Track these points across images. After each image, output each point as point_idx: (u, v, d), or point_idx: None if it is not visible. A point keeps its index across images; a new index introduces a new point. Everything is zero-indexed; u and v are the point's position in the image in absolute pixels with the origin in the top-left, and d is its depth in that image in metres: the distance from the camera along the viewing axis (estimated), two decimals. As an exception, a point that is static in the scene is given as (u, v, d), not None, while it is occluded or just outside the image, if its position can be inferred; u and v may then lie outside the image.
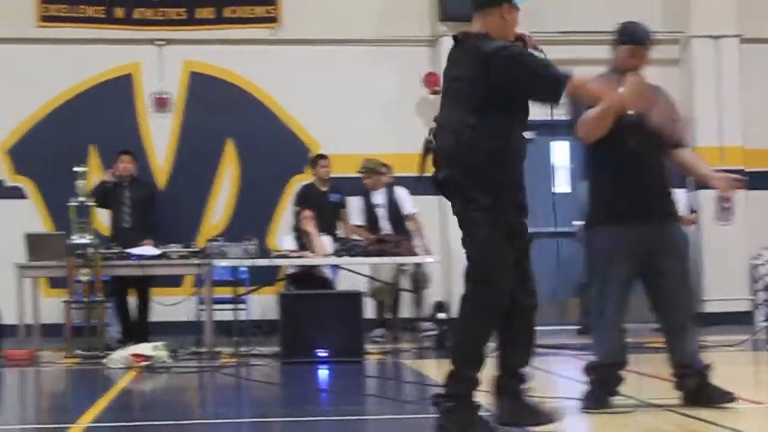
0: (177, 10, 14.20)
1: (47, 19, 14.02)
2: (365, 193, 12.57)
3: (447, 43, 13.54)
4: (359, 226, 12.47)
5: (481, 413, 5.55)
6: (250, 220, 13.38)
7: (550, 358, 9.83)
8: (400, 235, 11.92)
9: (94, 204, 11.57)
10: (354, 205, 12.66)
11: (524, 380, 5.74)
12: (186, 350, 10.95)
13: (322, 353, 10.15)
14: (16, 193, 13.72)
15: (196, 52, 14.17)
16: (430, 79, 13.91)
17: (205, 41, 14.13)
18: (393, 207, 12.47)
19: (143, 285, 12.20)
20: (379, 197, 12.52)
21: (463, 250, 5.62)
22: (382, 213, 12.47)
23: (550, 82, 5.53)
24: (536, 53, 5.66)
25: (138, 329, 12.02)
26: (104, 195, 12.33)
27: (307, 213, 11.94)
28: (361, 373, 9.62)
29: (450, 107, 5.71)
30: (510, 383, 5.69)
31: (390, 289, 12.11)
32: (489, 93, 5.51)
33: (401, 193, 12.50)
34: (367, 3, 14.24)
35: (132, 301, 12.35)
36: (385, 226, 12.32)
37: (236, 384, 8.94)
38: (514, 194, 5.69)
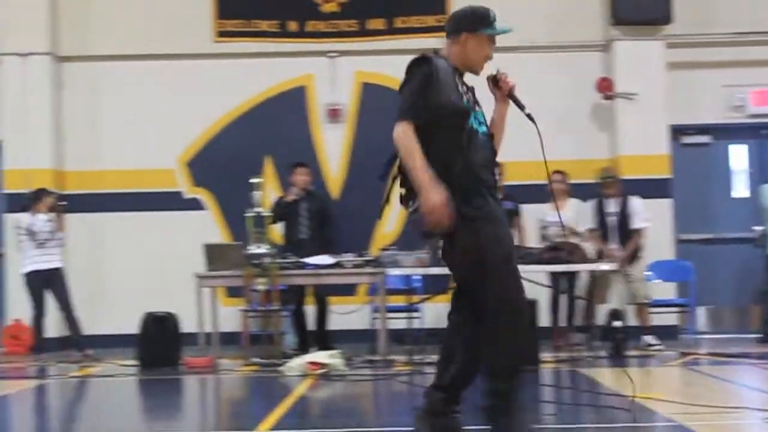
0: (348, 22, 14.35)
1: (223, 34, 14.33)
2: (599, 200, 12.42)
3: (619, 48, 13.39)
4: (593, 230, 12.31)
5: None
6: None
7: (730, 367, 9.57)
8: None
9: (271, 222, 11.78)
10: (586, 210, 12.51)
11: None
12: (360, 358, 11.04)
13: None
14: (195, 205, 14.05)
15: (368, 62, 14.28)
16: (603, 84, 13.73)
17: (376, 52, 14.22)
18: (623, 217, 12.29)
19: (320, 294, 12.33)
20: (612, 205, 12.36)
21: None
22: (612, 222, 12.30)
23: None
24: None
25: (317, 337, 12.15)
26: (282, 212, 12.52)
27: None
28: (538, 381, 9.51)
29: None
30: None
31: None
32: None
33: (636, 204, 12.33)
34: (538, 9, 14.13)
35: (307, 309, 12.49)
36: (614, 236, 12.18)
37: (410, 392, 8.94)
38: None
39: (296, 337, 12.34)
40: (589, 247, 11.94)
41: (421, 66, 5.70)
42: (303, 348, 11.88)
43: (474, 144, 5.68)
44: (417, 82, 5.67)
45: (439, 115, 5.64)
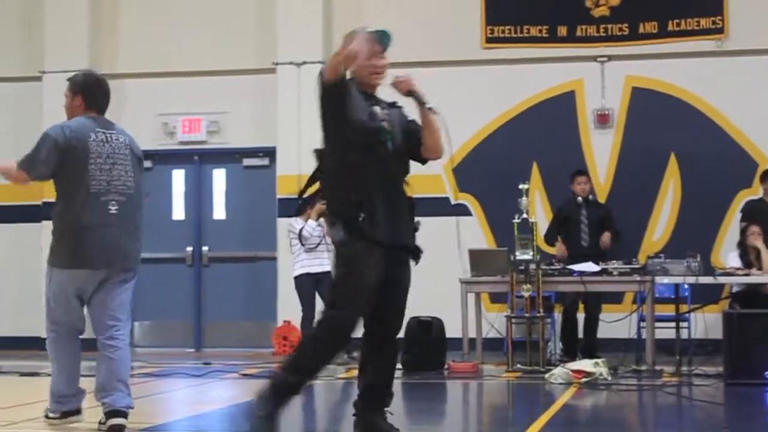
0: (620, 25, 14.09)
1: (492, 40, 14.33)
2: None
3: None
4: None
5: None
6: (693, 236, 13.01)
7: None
8: None
9: (555, 225, 12.09)
10: None
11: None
12: (626, 368, 10.80)
13: (771, 376, 9.65)
14: (461, 210, 14.09)
15: (638, 67, 13.98)
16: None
17: (648, 56, 13.91)
18: None
19: (592, 302, 12.15)
20: None
21: None
22: None
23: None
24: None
25: (585, 346, 11.97)
26: (565, 216, 12.46)
27: (755, 229, 11.45)
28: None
29: None
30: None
31: None
32: None
33: None
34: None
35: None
36: None
37: (678, 403, 8.68)
38: None
39: (563, 345, 12.18)
40: None
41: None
42: (569, 356, 11.72)
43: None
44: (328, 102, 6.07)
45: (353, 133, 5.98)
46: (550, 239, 12.68)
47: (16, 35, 15.22)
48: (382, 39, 6.07)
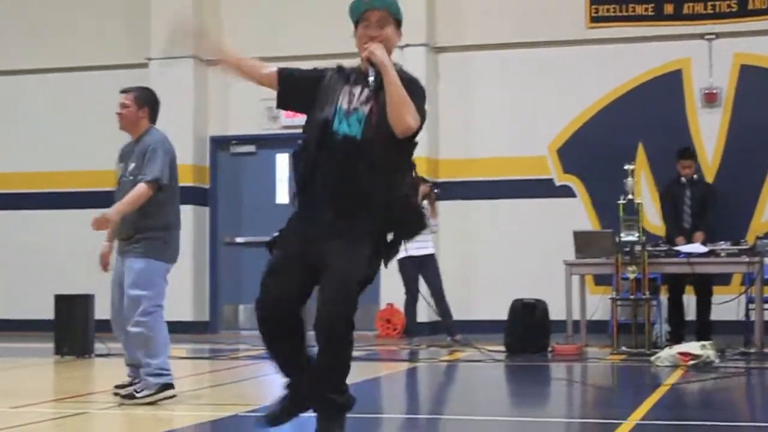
0: (728, 2, 13.83)
1: (597, 19, 14.17)
2: None
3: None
4: None
5: None
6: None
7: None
8: None
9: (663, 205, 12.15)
10: None
11: None
12: (734, 350, 10.62)
13: None
14: (565, 192, 13.97)
15: (748, 44, 13.72)
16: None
17: (757, 32, 13.66)
18: None
19: (703, 283, 11.96)
20: None
21: None
22: None
23: None
24: None
25: (699, 328, 11.80)
26: (669, 194, 12.33)
27: None
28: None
29: None
30: None
31: None
32: None
33: None
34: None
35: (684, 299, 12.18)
36: None
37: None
38: None
39: (670, 327, 12.02)
40: None
41: None
42: (677, 338, 11.55)
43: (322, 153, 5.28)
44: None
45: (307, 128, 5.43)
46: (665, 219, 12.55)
47: (123, 22, 15.45)
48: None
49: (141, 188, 7.45)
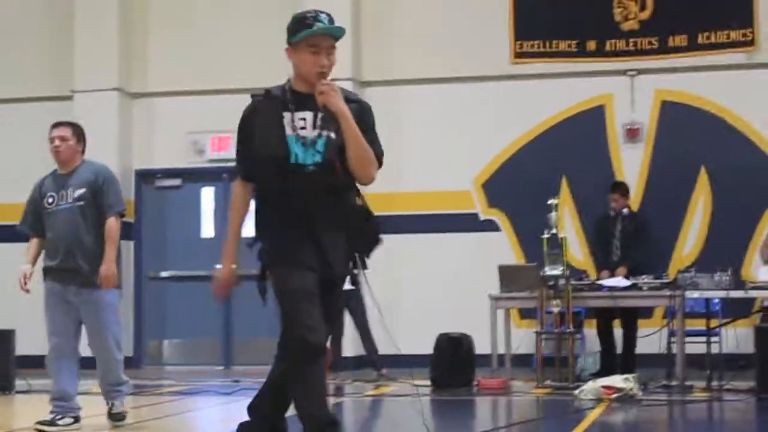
0: (649, 39, 14.03)
1: (521, 55, 14.31)
2: None
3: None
4: None
5: None
6: (724, 249, 12.88)
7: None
8: None
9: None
10: None
11: None
12: (656, 383, 10.72)
13: (802, 390, 9.54)
14: (490, 226, 14.06)
15: (668, 80, 13.93)
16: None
17: (677, 69, 13.86)
18: None
19: (629, 317, 12.06)
20: None
21: None
22: None
23: None
24: None
25: (623, 361, 11.88)
26: (600, 227, 12.42)
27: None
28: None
29: None
30: None
31: None
32: None
33: None
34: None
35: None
36: None
37: (708, 419, 8.61)
38: None
39: (601, 359, 12.08)
40: None
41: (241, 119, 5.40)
42: (607, 370, 11.60)
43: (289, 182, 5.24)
44: (237, 137, 5.40)
45: (257, 167, 5.31)
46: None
47: (47, 55, 15.29)
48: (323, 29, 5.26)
49: (113, 223, 7.75)
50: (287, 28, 5.36)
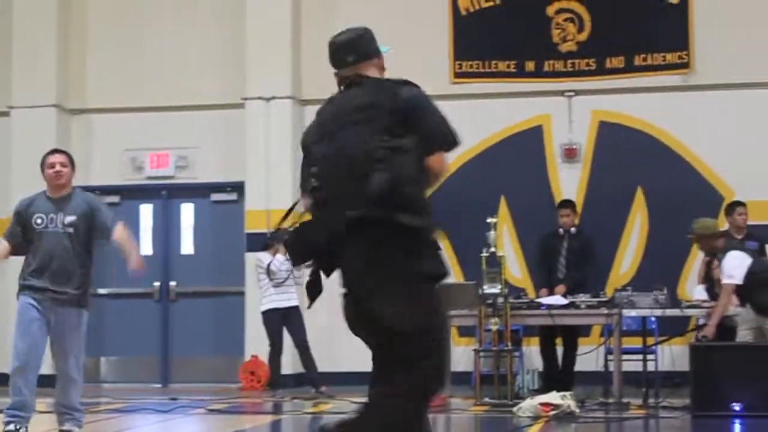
0: (587, 60, 14.18)
1: (460, 75, 14.40)
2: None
3: None
4: None
5: None
6: (660, 269, 13.06)
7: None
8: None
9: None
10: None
11: None
12: (594, 400, 10.82)
13: (736, 407, 9.66)
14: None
15: (605, 101, 14.08)
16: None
17: (615, 90, 14.01)
18: None
19: (569, 335, 12.14)
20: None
21: None
22: None
23: None
24: None
25: (562, 378, 11.95)
26: (546, 245, 12.47)
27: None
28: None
29: None
30: None
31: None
32: None
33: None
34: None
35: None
36: None
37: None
38: None
39: (542, 377, 12.14)
40: None
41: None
42: (546, 389, 11.66)
43: None
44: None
45: None
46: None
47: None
48: None
49: (121, 228, 8.41)
50: (373, 40, 5.48)
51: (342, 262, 4.84)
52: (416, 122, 4.96)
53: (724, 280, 10.37)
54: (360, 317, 4.86)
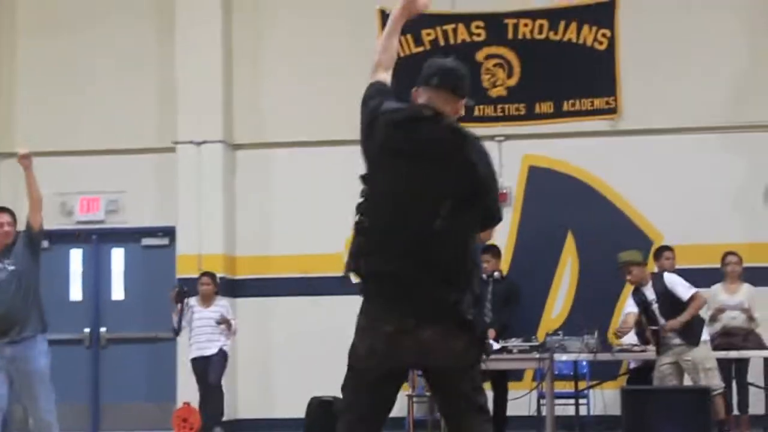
0: (517, 105, 14.31)
1: (391, 119, 14.42)
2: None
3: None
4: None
5: None
6: (591, 313, 13.08)
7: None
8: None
9: None
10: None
11: None
12: (527, 445, 10.85)
13: (667, 451, 9.76)
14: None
15: (535, 146, 14.21)
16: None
17: (544, 135, 14.15)
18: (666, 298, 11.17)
19: (499, 379, 12.16)
20: (649, 291, 11.27)
21: None
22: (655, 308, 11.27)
23: None
24: None
25: (495, 422, 11.94)
26: None
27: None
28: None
29: None
30: None
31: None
32: None
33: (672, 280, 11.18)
34: (713, 89, 13.86)
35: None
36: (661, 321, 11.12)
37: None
38: None
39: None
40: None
41: None
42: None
43: None
44: None
45: None
46: None
47: None
48: None
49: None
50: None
51: None
52: (481, 200, 4.93)
53: (689, 291, 10.77)
54: None
